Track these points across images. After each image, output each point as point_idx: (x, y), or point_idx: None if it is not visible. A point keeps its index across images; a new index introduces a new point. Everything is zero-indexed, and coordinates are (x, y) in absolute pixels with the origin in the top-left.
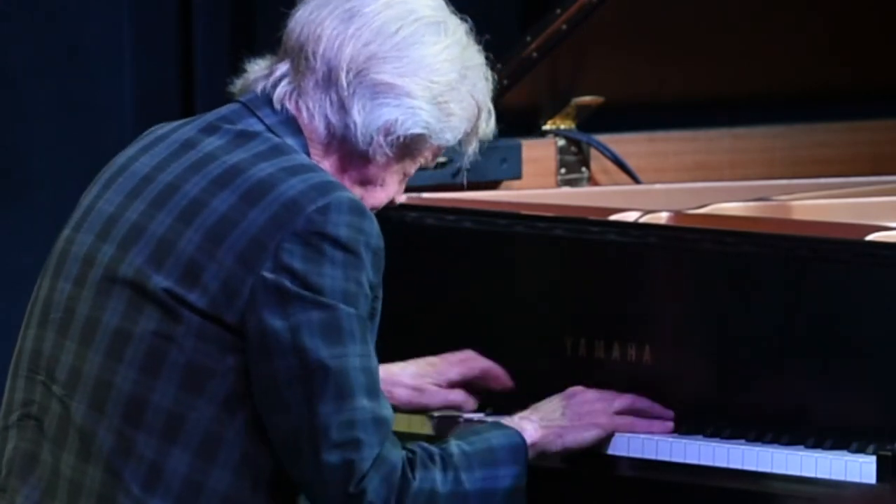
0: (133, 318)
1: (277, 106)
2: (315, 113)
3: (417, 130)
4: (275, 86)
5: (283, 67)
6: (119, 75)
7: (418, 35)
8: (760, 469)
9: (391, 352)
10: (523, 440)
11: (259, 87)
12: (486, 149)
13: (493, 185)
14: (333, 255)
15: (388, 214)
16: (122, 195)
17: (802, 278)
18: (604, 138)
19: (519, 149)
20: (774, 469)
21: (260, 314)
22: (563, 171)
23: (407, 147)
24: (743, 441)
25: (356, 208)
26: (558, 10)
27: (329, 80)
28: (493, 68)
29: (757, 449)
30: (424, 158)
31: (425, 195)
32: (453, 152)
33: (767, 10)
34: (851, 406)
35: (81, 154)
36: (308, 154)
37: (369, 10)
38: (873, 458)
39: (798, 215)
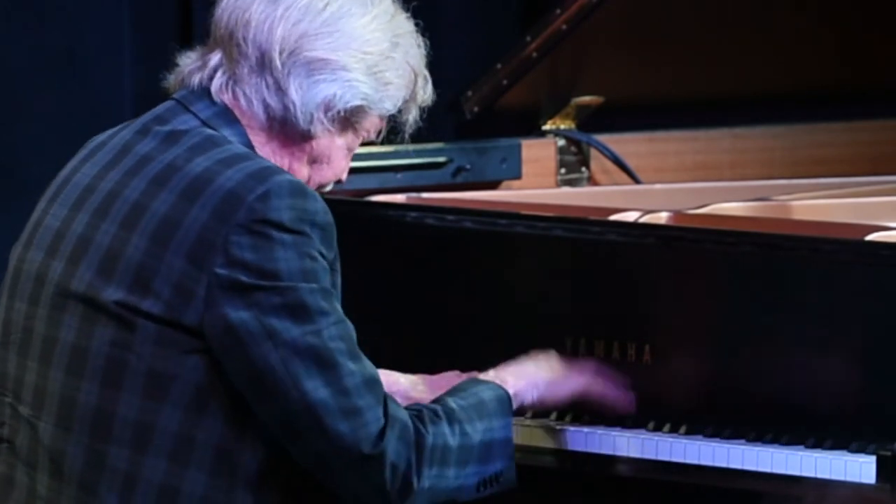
0: (88, 332)
1: (215, 98)
2: (253, 98)
3: (357, 102)
4: (210, 77)
5: (216, 57)
6: (119, 76)
7: (345, 9)
8: (760, 469)
9: (390, 351)
10: (507, 392)
11: (195, 80)
12: (486, 149)
13: (493, 185)
14: (281, 238)
15: (388, 214)
16: (66, 208)
17: (802, 278)
18: (604, 138)
19: (519, 149)
20: (774, 469)
21: (222, 311)
22: (563, 171)
23: (348, 120)
24: (743, 441)
25: (296, 190)
26: (558, 10)
27: (263, 64)
28: (493, 68)
29: (757, 449)
30: (367, 132)
31: (425, 195)
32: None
33: (767, 11)
34: (851, 406)
35: None
36: (248, 142)
37: None
38: (873, 458)
39: (798, 215)
